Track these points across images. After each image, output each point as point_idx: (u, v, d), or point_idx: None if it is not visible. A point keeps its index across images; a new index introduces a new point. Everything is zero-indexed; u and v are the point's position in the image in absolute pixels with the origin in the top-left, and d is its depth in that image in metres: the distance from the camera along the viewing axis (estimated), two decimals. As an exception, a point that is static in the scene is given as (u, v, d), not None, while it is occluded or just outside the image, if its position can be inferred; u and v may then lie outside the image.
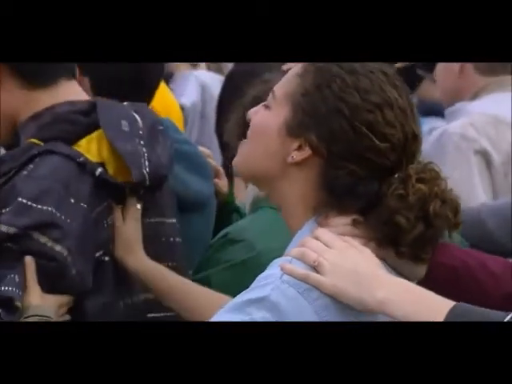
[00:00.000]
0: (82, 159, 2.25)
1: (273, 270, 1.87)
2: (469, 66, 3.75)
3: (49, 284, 2.21)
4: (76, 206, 2.22)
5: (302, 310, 1.81)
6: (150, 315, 2.39)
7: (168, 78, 6.50)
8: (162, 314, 2.40)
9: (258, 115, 1.98)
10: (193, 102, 6.45)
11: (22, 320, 2.15)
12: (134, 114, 2.37)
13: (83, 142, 2.28)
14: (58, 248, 2.19)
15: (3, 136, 2.41)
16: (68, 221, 2.20)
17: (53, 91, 2.35)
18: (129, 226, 2.33)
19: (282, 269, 1.83)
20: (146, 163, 2.28)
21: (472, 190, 3.39)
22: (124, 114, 2.36)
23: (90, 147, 2.28)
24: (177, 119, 5.65)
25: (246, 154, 1.99)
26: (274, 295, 1.81)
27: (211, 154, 3.24)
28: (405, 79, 2.04)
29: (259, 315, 1.80)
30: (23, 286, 2.17)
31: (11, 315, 2.14)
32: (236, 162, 2.02)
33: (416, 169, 1.91)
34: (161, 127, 2.43)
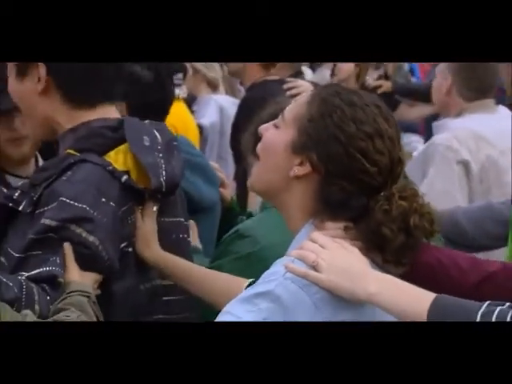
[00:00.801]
0: (110, 168, 2.26)
1: (277, 267, 1.87)
2: (454, 90, 3.73)
3: (85, 266, 2.21)
4: (106, 205, 2.23)
5: (301, 302, 1.81)
6: (165, 298, 2.39)
7: (192, 102, 6.50)
8: (175, 297, 2.41)
9: (268, 132, 1.98)
10: (212, 122, 6.51)
11: (65, 295, 2.13)
12: (155, 131, 2.38)
13: (112, 154, 2.29)
14: (91, 239, 2.20)
15: (41, 135, 2.50)
16: (99, 217, 2.21)
17: (91, 112, 2.35)
18: (146, 225, 2.32)
19: (285, 267, 1.82)
20: (163, 173, 2.29)
21: (452, 191, 3.39)
22: (146, 130, 2.36)
23: (118, 158, 2.29)
24: (193, 135, 5.68)
25: (258, 171, 2.01)
26: (278, 289, 1.80)
27: (219, 167, 3.31)
28: (386, 103, 2.03)
29: (265, 306, 1.79)
30: (64, 267, 2.18)
31: (55, 290, 2.14)
32: (250, 181, 2.05)
33: (398, 188, 1.91)
34: (175, 143, 2.44)
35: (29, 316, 1.99)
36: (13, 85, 2.39)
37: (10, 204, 2.26)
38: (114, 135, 2.31)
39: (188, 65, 6.28)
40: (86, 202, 2.19)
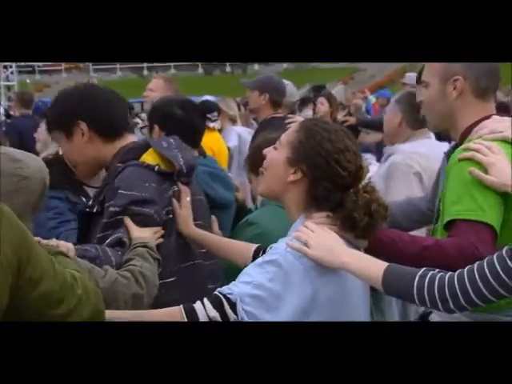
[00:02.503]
0: (145, 164, 2.28)
1: (280, 244, 1.87)
2: (404, 122, 3.63)
3: (144, 225, 2.22)
4: (149, 187, 2.23)
5: (296, 268, 1.80)
6: (191, 249, 2.37)
7: (220, 131, 6.52)
8: (200, 250, 2.37)
9: (270, 153, 1.99)
10: (234, 146, 6.53)
11: (131, 248, 2.11)
12: (170, 139, 2.41)
13: (144, 155, 2.32)
14: (146, 211, 2.19)
15: (93, 173, 2.49)
16: (147, 195, 2.21)
17: (121, 141, 2.36)
18: (183, 211, 2.32)
19: (286, 244, 1.83)
20: (181, 159, 2.32)
21: (411, 195, 3.24)
22: (163, 139, 2.42)
23: (149, 158, 2.31)
24: (225, 154, 5.66)
25: (265, 181, 2.00)
26: (280, 259, 1.80)
27: (234, 176, 3.35)
28: (352, 131, 2.08)
29: (271, 269, 1.79)
30: (127, 232, 2.16)
31: (123, 247, 2.13)
32: (260, 189, 2.06)
33: (363, 185, 1.91)
34: (185, 145, 2.46)
35: (109, 271, 1.97)
36: (65, 147, 2.37)
37: (87, 209, 2.28)
38: (142, 146, 2.34)
39: (216, 106, 6.30)
40: (136, 188, 2.19)
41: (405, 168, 3.45)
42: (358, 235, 1.88)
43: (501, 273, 1.59)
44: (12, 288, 1.37)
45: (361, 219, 1.85)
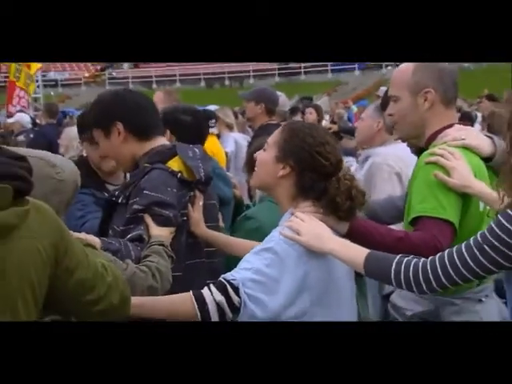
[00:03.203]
0: (170, 170, 2.24)
1: (275, 233, 1.87)
2: (382, 127, 3.56)
3: (162, 225, 2.19)
4: (171, 192, 2.19)
5: (289, 254, 1.80)
6: (198, 248, 2.34)
7: (219, 137, 6.50)
8: (207, 249, 2.35)
9: (260, 155, 2.00)
10: (231, 151, 6.50)
11: (149, 245, 2.08)
12: (195, 149, 2.38)
13: (170, 162, 2.27)
14: (165, 213, 2.16)
15: (128, 168, 2.41)
16: (168, 199, 2.18)
17: (152, 142, 2.32)
18: (196, 214, 2.29)
19: (280, 233, 1.83)
20: (202, 170, 2.29)
21: (392, 193, 3.16)
22: (189, 149, 2.37)
23: (174, 164, 2.27)
24: (222, 157, 5.67)
25: (257, 177, 2.01)
26: (276, 246, 1.81)
27: (232, 176, 3.33)
28: (335, 137, 2.06)
29: (267, 256, 1.80)
30: (147, 230, 2.14)
31: (143, 243, 2.11)
32: (252, 182, 2.07)
33: (343, 174, 1.92)
34: (207, 156, 2.44)
35: (130, 265, 1.96)
36: (104, 144, 2.33)
37: (113, 199, 2.26)
38: (170, 151, 2.30)
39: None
40: (159, 191, 2.16)
41: (387, 168, 3.40)
42: (342, 217, 1.89)
43: (468, 260, 1.61)
44: (51, 277, 1.40)
45: (343, 203, 1.86)
